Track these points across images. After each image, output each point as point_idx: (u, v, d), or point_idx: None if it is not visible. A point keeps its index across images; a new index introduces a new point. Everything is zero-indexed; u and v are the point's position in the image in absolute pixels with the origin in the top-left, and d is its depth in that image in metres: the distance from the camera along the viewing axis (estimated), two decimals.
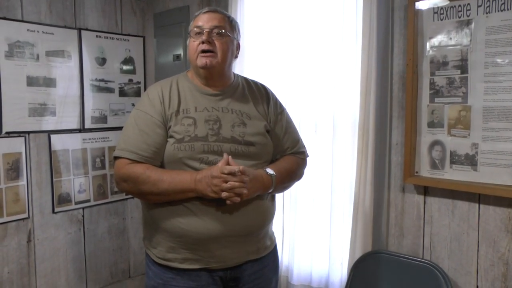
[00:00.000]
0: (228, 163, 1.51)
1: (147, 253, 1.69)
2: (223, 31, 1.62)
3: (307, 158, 1.84)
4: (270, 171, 1.62)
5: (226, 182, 1.46)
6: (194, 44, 1.62)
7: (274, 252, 1.78)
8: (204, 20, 1.62)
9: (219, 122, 1.60)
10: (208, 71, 1.62)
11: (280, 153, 1.75)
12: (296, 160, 1.76)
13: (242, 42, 1.79)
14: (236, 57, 1.74)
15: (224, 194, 1.47)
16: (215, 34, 1.61)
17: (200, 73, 1.65)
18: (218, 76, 1.66)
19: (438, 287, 1.89)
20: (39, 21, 2.60)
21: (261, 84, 1.82)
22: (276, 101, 1.79)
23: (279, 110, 1.78)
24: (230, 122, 1.62)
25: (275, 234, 1.84)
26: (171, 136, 1.58)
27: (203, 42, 1.59)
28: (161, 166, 1.59)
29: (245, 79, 1.80)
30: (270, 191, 1.63)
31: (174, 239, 1.58)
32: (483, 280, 1.86)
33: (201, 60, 1.60)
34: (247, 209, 1.57)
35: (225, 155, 1.53)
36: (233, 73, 1.77)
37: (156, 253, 1.63)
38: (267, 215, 1.68)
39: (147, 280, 1.70)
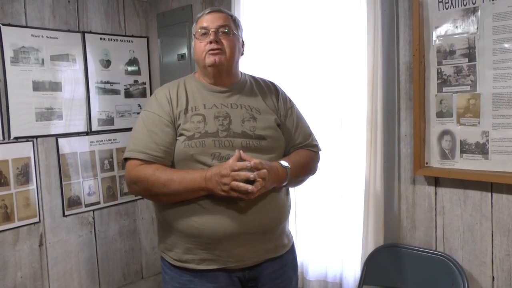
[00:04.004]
0: (239, 160, 1.47)
1: (163, 257, 1.67)
2: (229, 30, 1.62)
3: (320, 152, 1.81)
4: (284, 163, 1.59)
5: (237, 180, 1.41)
6: (201, 45, 1.61)
7: (292, 251, 1.75)
8: (209, 21, 1.62)
9: (229, 117, 1.59)
10: (216, 68, 1.61)
11: (292, 148, 1.72)
12: (309, 153, 1.74)
13: (247, 39, 1.78)
14: (242, 54, 1.73)
15: (234, 194, 1.44)
16: (221, 33, 1.61)
17: (209, 72, 1.63)
18: (226, 74, 1.65)
19: (453, 279, 1.87)
20: (43, 26, 2.61)
21: (269, 81, 1.81)
22: (285, 96, 1.78)
23: (289, 105, 1.76)
24: (240, 117, 1.60)
25: None
26: (181, 134, 1.56)
27: (210, 42, 1.58)
28: (172, 165, 1.58)
29: (253, 77, 1.78)
30: (284, 184, 1.61)
31: (190, 239, 1.56)
32: (499, 271, 1.84)
33: (210, 58, 1.59)
34: (263, 205, 1.55)
35: (236, 151, 1.49)
36: (240, 71, 1.76)
37: (172, 256, 1.61)
38: (284, 210, 1.65)
39: (164, 285, 1.67)
